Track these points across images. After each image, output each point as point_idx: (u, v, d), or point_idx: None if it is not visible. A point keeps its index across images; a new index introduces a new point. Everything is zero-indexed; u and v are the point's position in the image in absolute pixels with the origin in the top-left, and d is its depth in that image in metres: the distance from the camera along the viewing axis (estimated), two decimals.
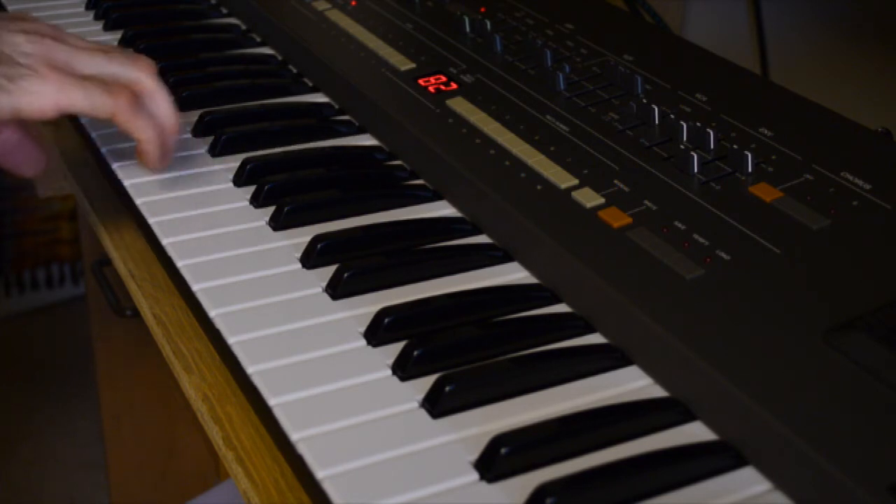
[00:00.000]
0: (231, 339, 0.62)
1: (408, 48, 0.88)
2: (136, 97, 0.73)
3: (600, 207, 0.67)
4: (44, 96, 0.70)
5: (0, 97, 0.69)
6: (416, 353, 0.59)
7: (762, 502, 0.52)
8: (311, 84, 0.92)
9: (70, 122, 0.91)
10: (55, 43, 0.74)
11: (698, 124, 0.72)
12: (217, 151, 0.82)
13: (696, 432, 0.55)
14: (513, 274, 0.68)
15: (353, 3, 0.98)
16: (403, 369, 0.59)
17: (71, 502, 1.89)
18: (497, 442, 0.53)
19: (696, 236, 0.63)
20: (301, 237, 0.71)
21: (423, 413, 0.57)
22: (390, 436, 0.55)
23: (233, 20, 1.06)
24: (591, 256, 0.63)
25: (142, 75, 0.75)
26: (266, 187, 0.75)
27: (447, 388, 0.57)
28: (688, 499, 0.52)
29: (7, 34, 0.73)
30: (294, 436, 0.55)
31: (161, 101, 0.76)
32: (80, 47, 0.75)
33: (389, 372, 0.60)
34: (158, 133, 0.75)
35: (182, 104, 0.88)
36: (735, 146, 0.71)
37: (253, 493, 0.57)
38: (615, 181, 0.69)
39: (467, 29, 0.90)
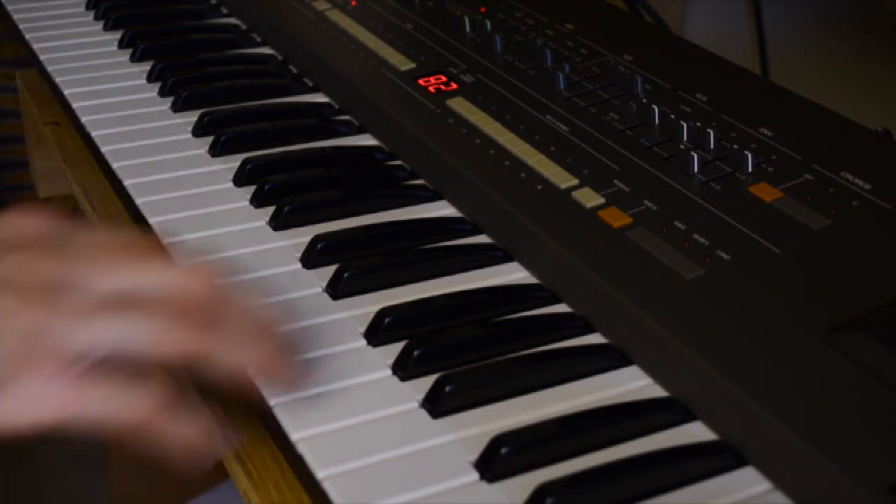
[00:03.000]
0: None
1: (408, 48, 0.88)
2: (174, 384, 0.51)
3: (600, 207, 0.67)
4: (42, 404, 0.50)
5: None
6: (416, 353, 0.59)
7: (762, 502, 0.52)
8: (311, 84, 0.92)
9: (70, 122, 0.92)
10: (58, 304, 0.50)
11: (698, 124, 0.72)
12: (217, 151, 0.82)
13: (696, 432, 0.55)
14: (513, 274, 0.68)
15: (353, 3, 0.98)
16: (403, 369, 0.59)
17: (71, 502, 1.89)
18: (497, 442, 0.53)
19: (696, 236, 0.63)
20: (301, 237, 0.71)
21: (423, 413, 0.57)
22: (390, 436, 0.55)
23: (233, 20, 1.06)
24: (591, 256, 0.63)
25: (170, 339, 0.51)
26: (266, 187, 0.75)
27: (447, 388, 0.57)
28: (688, 499, 0.52)
29: None
30: (294, 436, 0.55)
31: (227, 347, 0.52)
32: (97, 305, 0.50)
33: (389, 372, 0.60)
34: (204, 433, 0.52)
35: (182, 104, 0.88)
36: (735, 146, 0.71)
37: (253, 493, 0.57)
38: (615, 181, 0.69)
39: (467, 29, 0.90)
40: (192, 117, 0.86)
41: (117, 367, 0.51)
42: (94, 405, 0.50)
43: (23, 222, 0.54)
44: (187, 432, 0.51)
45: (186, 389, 0.52)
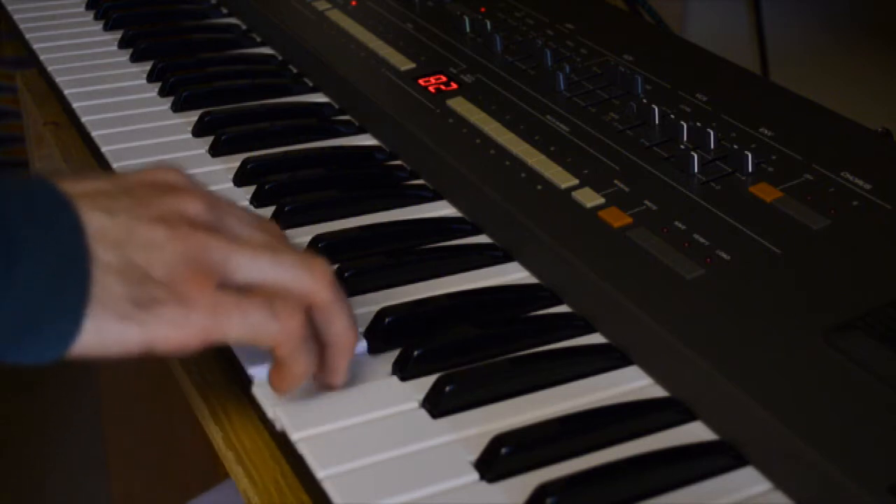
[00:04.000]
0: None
1: (408, 48, 0.88)
2: (307, 323, 0.55)
3: (600, 207, 0.67)
4: (188, 328, 0.53)
5: (129, 327, 0.52)
6: (416, 353, 0.59)
7: (762, 502, 0.51)
8: (311, 84, 0.92)
9: (70, 122, 0.92)
10: (207, 236, 0.54)
11: (698, 124, 0.72)
12: (217, 151, 0.82)
13: (696, 432, 0.55)
14: (513, 274, 0.68)
15: (353, 3, 0.98)
16: (403, 369, 0.59)
17: (71, 502, 1.89)
18: (497, 442, 0.53)
19: (696, 236, 0.63)
20: (301, 237, 0.71)
21: (424, 413, 0.57)
22: (390, 436, 0.55)
23: (233, 20, 1.06)
24: (591, 256, 0.63)
25: (317, 287, 0.56)
26: (266, 187, 0.75)
27: (447, 388, 0.57)
28: (688, 499, 0.52)
29: (141, 227, 0.53)
30: (294, 436, 0.55)
31: (338, 319, 0.57)
32: (240, 242, 0.55)
33: (389, 372, 0.60)
34: (309, 372, 0.56)
35: (182, 104, 0.88)
36: (735, 146, 0.71)
37: (253, 493, 0.57)
38: (615, 181, 0.69)
39: (467, 29, 0.90)
40: (192, 117, 0.86)
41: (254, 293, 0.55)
42: (236, 328, 0.53)
43: (167, 173, 0.58)
44: (307, 363, 0.56)
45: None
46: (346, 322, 0.57)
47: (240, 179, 0.78)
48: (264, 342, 0.54)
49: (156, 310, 0.52)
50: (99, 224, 0.52)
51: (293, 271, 0.56)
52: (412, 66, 0.86)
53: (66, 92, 0.91)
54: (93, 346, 0.52)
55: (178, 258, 0.53)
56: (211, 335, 0.53)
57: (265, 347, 0.55)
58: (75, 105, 0.89)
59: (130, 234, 0.53)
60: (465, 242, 0.71)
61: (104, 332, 0.51)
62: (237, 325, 0.53)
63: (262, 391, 0.58)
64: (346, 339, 0.57)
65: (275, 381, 0.57)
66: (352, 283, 0.65)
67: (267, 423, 0.59)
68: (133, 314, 0.52)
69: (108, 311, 0.51)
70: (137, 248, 0.53)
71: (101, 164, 0.83)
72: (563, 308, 0.65)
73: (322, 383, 0.58)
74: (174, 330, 0.53)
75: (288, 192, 0.75)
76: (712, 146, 0.71)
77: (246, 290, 0.55)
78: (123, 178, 0.57)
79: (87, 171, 0.57)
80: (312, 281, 0.56)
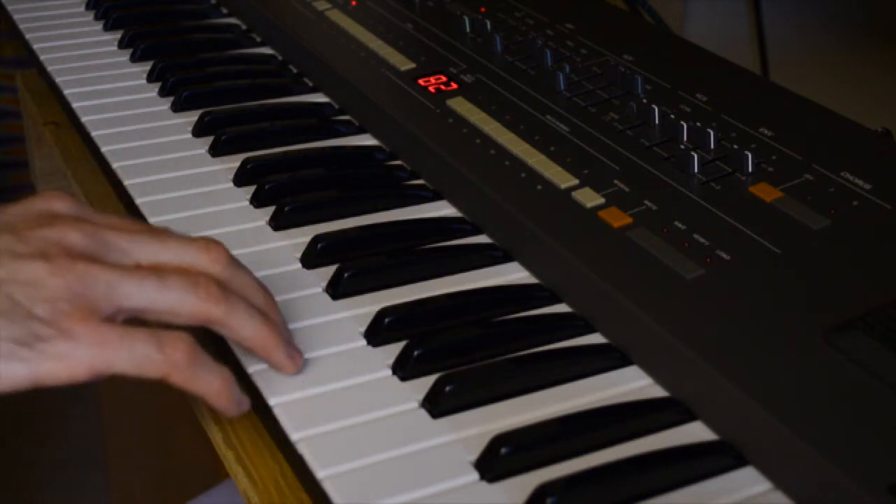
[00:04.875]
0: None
1: (408, 48, 0.88)
2: (193, 346, 0.56)
3: (600, 207, 0.67)
4: (73, 362, 0.53)
5: (12, 366, 0.52)
6: (416, 353, 0.59)
7: (762, 502, 0.52)
8: (311, 84, 0.92)
9: (70, 122, 0.92)
10: (87, 268, 0.54)
11: (698, 124, 0.72)
12: (217, 151, 0.82)
13: (696, 432, 0.55)
14: (513, 274, 0.68)
15: (353, 3, 0.98)
16: (403, 369, 0.59)
17: (71, 502, 1.89)
18: (497, 442, 0.53)
19: (696, 236, 0.63)
20: (301, 237, 0.71)
21: (423, 413, 0.57)
22: (390, 436, 0.55)
23: (233, 20, 1.06)
24: (591, 256, 0.63)
25: (204, 305, 0.57)
26: (266, 187, 0.75)
27: (447, 388, 0.57)
28: (688, 499, 0.52)
29: (21, 264, 0.53)
30: (294, 436, 0.55)
31: (239, 327, 0.57)
32: (124, 270, 0.55)
33: (389, 372, 0.60)
34: (227, 384, 0.57)
35: (182, 104, 0.88)
36: (735, 146, 0.71)
37: (253, 493, 0.57)
38: (615, 181, 0.69)
39: (467, 29, 0.90)
40: (192, 117, 0.86)
41: (140, 324, 0.56)
42: (121, 361, 0.54)
43: (50, 201, 0.58)
44: (213, 382, 0.56)
45: (203, 348, 0.57)
46: (249, 326, 0.57)
47: (240, 179, 0.78)
48: (152, 374, 0.55)
49: (40, 347, 0.53)
50: None
51: (179, 294, 0.56)
52: (412, 66, 0.86)
53: (66, 92, 0.91)
54: None
55: (59, 293, 0.53)
56: (97, 369, 0.54)
57: (153, 377, 0.55)
58: (75, 105, 0.89)
59: (10, 273, 0.53)
60: (465, 242, 0.71)
61: None
62: (123, 358, 0.54)
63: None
64: (260, 339, 0.58)
65: (217, 410, 0.58)
66: (352, 283, 0.65)
67: (267, 423, 0.59)
68: (16, 352, 0.52)
69: None
70: (18, 285, 0.53)
71: (101, 164, 0.83)
72: (563, 308, 0.65)
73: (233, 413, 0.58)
74: (60, 365, 0.53)
75: (288, 192, 0.75)
76: (712, 146, 0.71)
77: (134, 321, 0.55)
78: (4, 214, 0.57)
79: None
80: (198, 300, 0.56)
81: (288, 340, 0.59)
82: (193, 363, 0.55)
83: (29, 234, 0.55)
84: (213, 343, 0.61)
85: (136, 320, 0.57)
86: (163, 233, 0.59)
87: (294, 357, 0.59)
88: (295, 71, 0.95)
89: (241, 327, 0.57)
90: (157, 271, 0.56)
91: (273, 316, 0.60)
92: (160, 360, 0.55)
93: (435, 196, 0.76)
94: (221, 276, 0.58)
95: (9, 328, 0.52)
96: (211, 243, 0.59)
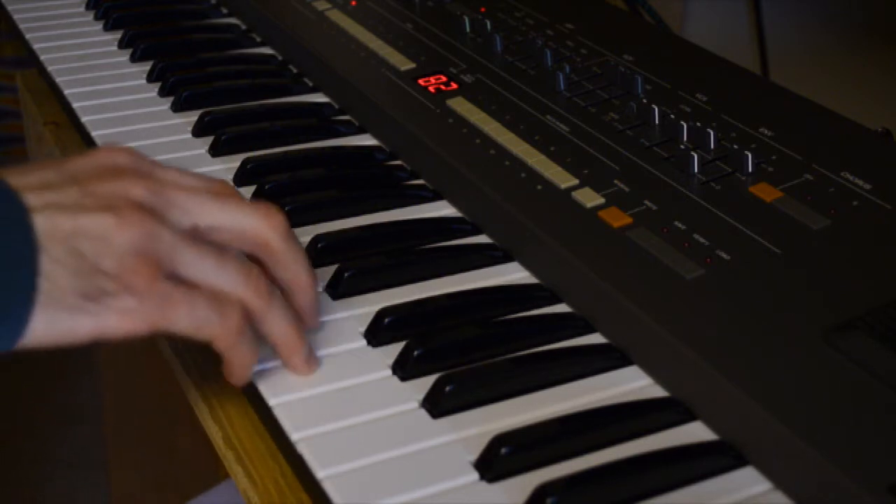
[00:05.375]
0: None
1: (408, 48, 0.88)
2: (246, 319, 0.57)
3: (600, 207, 0.67)
4: (136, 318, 0.54)
5: (79, 318, 0.53)
6: (416, 353, 0.59)
7: (762, 502, 0.52)
8: (311, 84, 0.92)
9: (70, 122, 0.91)
10: (154, 225, 0.54)
11: (698, 124, 0.73)
12: (217, 151, 0.82)
13: (696, 432, 0.55)
14: (513, 274, 0.68)
15: (353, 3, 0.98)
16: (403, 369, 0.59)
17: (71, 502, 1.89)
18: (497, 442, 0.53)
19: (696, 236, 0.63)
20: (301, 237, 0.71)
21: (423, 413, 0.57)
22: (390, 436, 0.55)
23: (233, 20, 1.06)
24: (591, 256, 0.63)
25: (251, 288, 0.57)
26: (266, 187, 0.75)
27: (447, 388, 0.57)
28: (688, 499, 0.52)
29: (87, 217, 0.53)
30: (294, 436, 0.55)
31: (291, 265, 0.59)
32: (189, 237, 0.56)
33: (389, 372, 0.60)
34: (254, 361, 0.58)
35: (182, 104, 0.88)
36: (735, 146, 0.71)
37: (253, 493, 0.57)
38: (615, 181, 0.69)
39: (467, 29, 0.90)
40: (192, 117, 0.86)
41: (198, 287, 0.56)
42: (182, 321, 0.55)
43: (113, 155, 0.58)
44: (245, 356, 0.57)
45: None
46: (281, 327, 0.58)
47: (240, 179, 0.78)
48: (206, 336, 0.56)
49: (105, 301, 0.53)
50: (46, 216, 0.53)
51: (231, 278, 0.57)
52: (412, 66, 0.86)
53: (66, 92, 0.91)
54: (44, 337, 0.53)
55: (126, 248, 0.53)
56: (158, 325, 0.54)
57: (203, 339, 0.56)
58: (75, 105, 0.89)
59: (77, 226, 0.53)
60: (465, 242, 0.71)
61: (54, 324, 0.52)
62: (184, 318, 0.55)
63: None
64: (285, 341, 0.59)
65: (227, 375, 0.58)
66: (352, 283, 0.65)
67: (267, 423, 0.59)
68: (82, 306, 0.53)
69: (57, 304, 0.52)
70: (85, 239, 0.53)
71: None
72: (563, 308, 0.65)
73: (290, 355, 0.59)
74: (123, 320, 0.54)
75: (288, 192, 0.75)
76: (712, 146, 0.71)
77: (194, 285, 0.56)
78: (70, 165, 0.57)
79: (35, 162, 0.58)
80: (245, 289, 0.57)
81: (308, 346, 0.60)
82: (240, 334, 0.56)
83: (95, 188, 0.55)
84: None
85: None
86: (224, 194, 0.59)
87: (311, 362, 0.60)
88: (295, 71, 0.95)
89: (275, 325, 0.58)
90: (218, 251, 0.57)
91: (309, 311, 0.61)
92: (217, 324, 0.55)
93: (435, 196, 0.76)
94: (275, 245, 0.59)
95: (75, 281, 0.52)
96: (271, 209, 0.59)
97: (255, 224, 0.59)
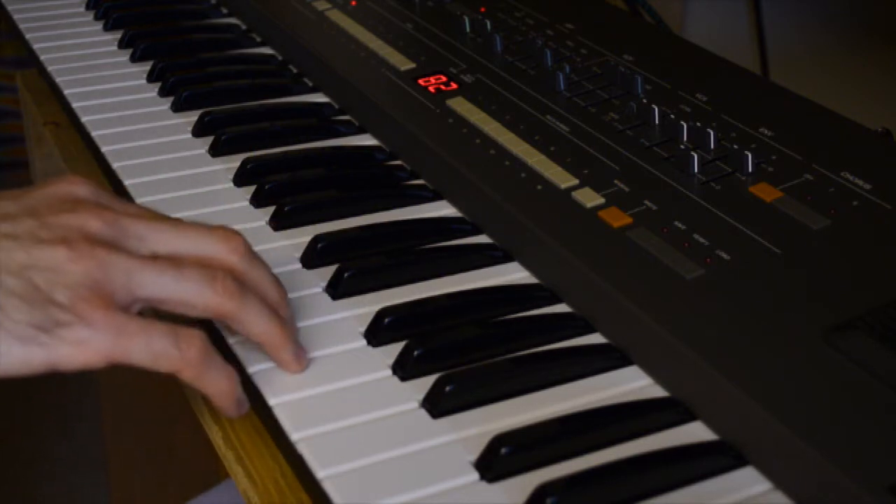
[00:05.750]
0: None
1: (408, 48, 0.88)
2: (206, 346, 0.56)
3: (600, 207, 0.67)
4: (90, 349, 0.54)
5: (31, 349, 0.53)
6: (416, 353, 0.59)
7: (762, 502, 0.52)
8: (311, 84, 0.92)
9: (70, 122, 0.92)
10: (108, 255, 0.55)
11: (698, 124, 0.72)
12: (217, 151, 0.82)
13: (696, 432, 0.55)
14: (513, 274, 0.68)
15: (353, 3, 0.98)
16: (403, 369, 0.59)
17: (71, 502, 1.89)
18: (497, 442, 0.53)
19: (696, 236, 0.63)
20: (301, 237, 0.71)
21: (423, 413, 0.57)
22: (390, 436, 0.55)
23: (233, 20, 1.06)
24: (591, 256, 0.63)
25: (219, 299, 0.57)
26: (266, 187, 0.75)
27: (447, 388, 0.57)
28: (688, 499, 0.52)
29: (42, 249, 0.54)
30: (294, 436, 0.55)
31: (252, 324, 0.58)
32: (143, 260, 0.56)
33: (389, 372, 0.60)
34: (232, 385, 0.57)
35: (182, 104, 0.88)
36: (735, 146, 0.71)
37: (253, 493, 0.57)
38: (615, 181, 0.69)
39: (467, 29, 0.90)
40: (192, 117, 0.86)
41: (156, 317, 0.56)
42: (138, 352, 0.54)
43: (72, 187, 0.59)
44: (220, 382, 0.57)
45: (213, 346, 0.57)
46: (261, 323, 0.58)
47: (240, 179, 0.78)
48: (165, 368, 0.55)
49: (58, 332, 0.53)
50: (1, 249, 0.53)
51: (195, 287, 0.56)
52: (412, 66, 0.86)
53: (66, 92, 0.91)
54: None
55: (79, 279, 0.54)
56: (114, 357, 0.54)
57: (164, 371, 0.55)
58: (75, 105, 0.89)
59: (32, 258, 0.54)
60: (465, 242, 0.71)
61: (7, 356, 0.53)
62: (140, 349, 0.54)
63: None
64: (269, 337, 0.58)
65: (219, 410, 0.58)
66: (352, 283, 0.65)
67: (267, 423, 0.59)
68: (35, 336, 0.53)
69: (10, 336, 0.52)
70: (38, 271, 0.53)
71: (101, 164, 0.83)
72: (563, 308, 0.65)
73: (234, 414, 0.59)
74: (76, 351, 0.53)
75: (288, 192, 0.75)
76: (712, 146, 0.71)
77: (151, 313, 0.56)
78: (28, 197, 0.57)
79: None
80: (214, 294, 0.57)
81: (295, 339, 0.60)
82: (205, 361, 0.56)
83: (51, 220, 0.56)
84: (215, 342, 0.61)
85: (150, 311, 0.57)
86: (181, 222, 0.60)
87: (300, 356, 0.59)
88: (295, 71, 0.95)
89: (253, 323, 0.58)
90: (176, 263, 0.57)
91: (283, 312, 0.60)
92: (175, 355, 0.55)
93: (435, 196, 0.76)
94: (238, 268, 0.59)
95: (28, 312, 0.53)
96: (230, 233, 0.60)
97: (215, 248, 0.59)
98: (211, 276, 0.57)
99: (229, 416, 0.59)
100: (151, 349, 0.54)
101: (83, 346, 0.53)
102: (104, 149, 0.82)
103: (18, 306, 0.53)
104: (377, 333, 0.62)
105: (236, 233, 0.60)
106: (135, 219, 0.58)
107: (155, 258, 0.57)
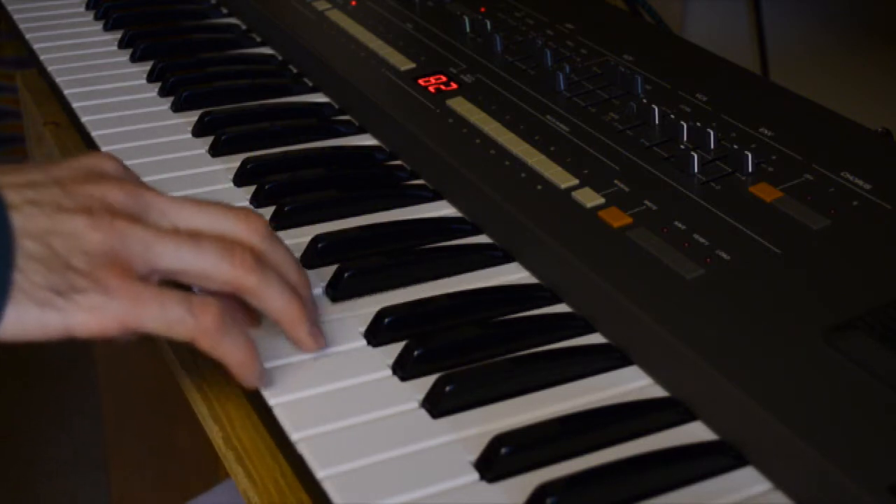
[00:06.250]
0: None
1: (408, 48, 0.88)
2: (223, 314, 0.56)
3: (600, 207, 0.67)
4: (106, 315, 0.54)
5: (48, 313, 0.53)
6: (416, 353, 0.59)
7: (762, 502, 0.52)
8: (311, 84, 0.92)
9: (70, 122, 0.92)
10: (127, 225, 0.56)
11: (698, 124, 0.73)
12: (217, 151, 0.82)
13: (696, 432, 0.55)
14: (513, 274, 0.68)
15: (353, 3, 0.98)
16: (403, 369, 0.59)
17: (71, 502, 1.89)
18: (497, 442, 0.53)
19: (696, 236, 0.63)
20: (301, 237, 0.71)
21: (424, 413, 0.57)
22: (390, 436, 0.55)
23: (233, 20, 1.06)
24: (591, 256, 0.63)
25: (238, 272, 0.57)
26: (266, 187, 0.75)
27: (447, 388, 0.57)
28: (688, 499, 0.52)
29: (63, 216, 0.55)
30: (294, 436, 0.55)
31: (270, 299, 0.58)
32: (162, 231, 0.57)
33: (389, 372, 0.60)
34: (251, 356, 0.57)
35: (182, 104, 0.88)
36: (735, 146, 0.71)
37: (253, 493, 0.57)
38: (615, 181, 0.69)
39: (467, 29, 0.90)
40: (192, 117, 0.86)
41: (174, 286, 0.57)
42: (152, 319, 0.55)
43: (100, 161, 0.60)
44: (237, 351, 0.57)
45: (236, 316, 0.59)
46: (280, 299, 0.58)
47: (240, 179, 0.78)
48: (180, 336, 0.56)
49: (75, 297, 0.54)
50: (24, 214, 0.54)
51: (214, 260, 0.57)
52: (412, 66, 0.86)
53: (66, 92, 0.91)
54: (13, 331, 0.53)
55: (98, 247, 0.55)
56: (129, 324, 0.55)
57: (180, 338, 0.56)
58: (75, 105, 0.89)
59: (53, 224, 0.54)
60: (465, 242, 0.71)
61: (24, 319, 0.53)
62: (155, 317, 0.55)
63: (264, 382, 0.58)
64: (287, 313, 0.59)
65: (237, 378, 0.58)
66: (352, 283, 0.66)
67: (267, 423, 0.59)
68: (53, 301, 0.53)
69: (28, 298, 0.53)
70: (59, 237, 0.54)
71: None
72: (563, 308, 0.65)
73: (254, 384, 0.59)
74: (92, 317, 0.54)
75: (288, 192, 0.75)
76: (712, 146, 0.71)
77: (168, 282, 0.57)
78: (55, 168, 0.58)
79: (29, 163, 0.59)
80: (232, 267, 0.57)
81: (314, 320, 0.60)
82: (221, 329, 0.56)
83: (75, 189, 0.56)
84: None
85: (170, 283, 0.57)
86: (204, 201, 0.60)
87: (317, 336, 0.60)
88: (295, 71, 0.95)
89: (272, 299, 0.58)
90: (194, 236, 0.57)
91: (303, 293, 0.60)
92: (191, 322, 0.55)
93: (435, 196, 0.76)
94: (258, 248, 0.59)
95: (46, 276, 0.53)
96: (251, 214, 0.60)
97: (236, 227, 0.59)
98: (229, 249, 0.57)
99: (249, 387, 0.58)
100: (166, 316, 0.55)
101: (98, 311, 0.54)
102: (104, 149, 0.82)
103: (37, 269, 0.53)
104: (377, 333, 0.62)
105: (258, 215, 0.61)
106: (157, 195, 0.59)
107: (176, 231, 0.57)
